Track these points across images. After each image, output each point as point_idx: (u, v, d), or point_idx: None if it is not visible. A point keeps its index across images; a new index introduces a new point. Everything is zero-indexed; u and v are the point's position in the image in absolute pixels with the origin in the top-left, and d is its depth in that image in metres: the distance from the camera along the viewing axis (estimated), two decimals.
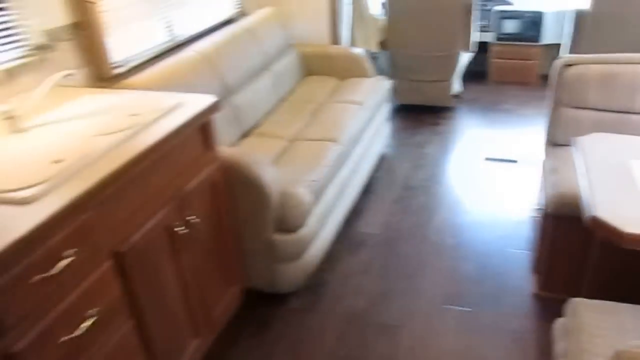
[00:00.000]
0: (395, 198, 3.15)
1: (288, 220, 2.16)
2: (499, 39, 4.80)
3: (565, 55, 2.48)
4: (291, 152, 2.59)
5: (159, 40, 2.71)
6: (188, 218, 1.77)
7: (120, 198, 1.46)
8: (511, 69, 4.90)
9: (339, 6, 3.79)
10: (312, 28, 3.76)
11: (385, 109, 3.51)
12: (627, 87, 2.30)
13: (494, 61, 4.93)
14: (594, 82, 2.34)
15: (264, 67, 3.14)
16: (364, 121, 3.00)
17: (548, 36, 4.70)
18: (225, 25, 3.31)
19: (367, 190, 3.17)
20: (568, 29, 3.41)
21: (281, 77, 3.27)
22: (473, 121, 4.22)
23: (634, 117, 2.33)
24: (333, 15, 3.72)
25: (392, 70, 4.22)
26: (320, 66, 3.58)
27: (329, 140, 2.66)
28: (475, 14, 3.87)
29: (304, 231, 2.23)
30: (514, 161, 3.51)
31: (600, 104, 2.36)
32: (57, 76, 1.70)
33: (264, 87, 3.05)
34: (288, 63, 3.41)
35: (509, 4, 4.83)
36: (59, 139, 1.55)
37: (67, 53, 2.11)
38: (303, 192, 2.21)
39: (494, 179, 3.32)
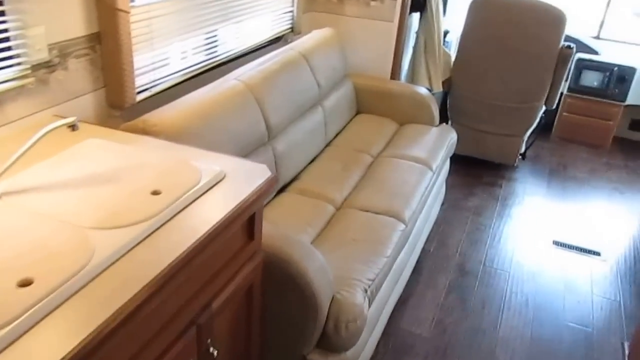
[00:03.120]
0: (449, 285, 2.57)
1: (337, 339, 1.59)
2: (574, 90, 4.20)
3: None
4: (341, 225, 2.02)
5: (196, 58, 2.15)
6: (205, 349, 1.21)
7: (120, 343, 0.90)
8: (582, 127, 4.30)
9: (406, 34, 3.21)
10: (372, 56, 3.18)
11: (447, 167, 2.93)
12: None
13: (564, 115, 4.33)
14: None
15: (315, 102, 2.56)
16: (429, 187, 2.42)
17: (635, 96, 4.10)
18: (273, 45, 2.75)
19: (415, 269, 2.59)
20: None
21: (332, 115, 2.70)
22: (537, 188, 3.63)
23: None
24: (399, 43, 3.14)
25: (451, 114, 3.64)
26: (376, 104, 3.00)
27: (391, 215, 2.09)
28: (569, 67, 3.27)
29: (352, 351, 1.67)
30: (596, 253, 2.92)
31: None
32: (48, 129, 1.14)
33: (311, 128, 2.48)
34: (341, 97, 2.83)
35: (595, 53, 4.22)
36: (33, 232, 0.99)
37: (78, 73, 1.56)
38: (361, 301, 1.64)
39: (569, 276, 2.73)
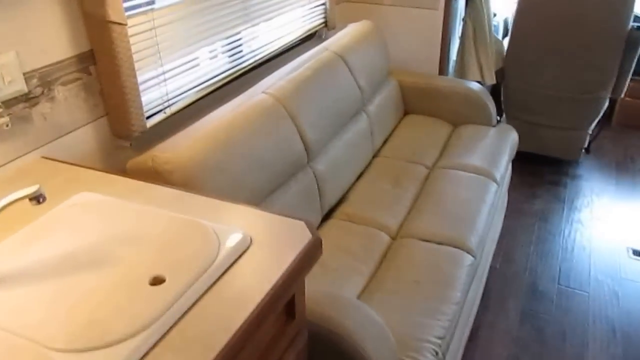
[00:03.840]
0: (522, 313, 2.23)
1: None
2: (636, 72, 3.74)
3: None
4: (399, 261, 1.70)
5: (216, 67, 1.85)
6: None
7: None
8: None
9: (453, 22, 2.84)
10: (416, 50, 2.83)
11: (509, 172, 2.57)
12: None
13: (625, 100, 3.88)
14: None
15: (358, 109, 2.23)
16: (494, 204, 2.08)
17: None
18: (305, 44, 2.43)
19: (483, 291, 2.26)
20: None
21: (378, 121, 2.37)
22: (605, 185, 3.22)
23: None
24: (445, 33, 2.77)
25: (506, 108, 3.26)
26: (425, 103, 2.65)
27: (456, 245, 1.76)
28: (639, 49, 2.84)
29: None
30: None
31: None
32: (14, 197, 0.85)
33: (356, 139, 2.15)
34: (387, 99, 2.49)
35: None
36: None
37: (69, 103, 1.27)
38: None
39: None
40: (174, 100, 1.64)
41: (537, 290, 2.35)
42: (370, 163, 2.25)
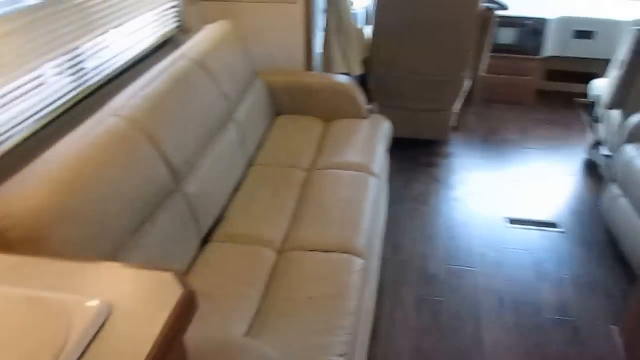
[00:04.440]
0: (417, 300, 2.24)
1: None
2: (493, 50, 3.98)
3: None
4: (288, 277, 1.61)
5: (57, 89, 1.61)
6: None
7: None
8: (503, 86, 4.13)
9: (314, 14, 2.78)
10: (279, 47, 2.74)
11: (387, 162, 2.58)
12: None
13: (484, 76, 4.12)
14: None
15: (225, 118, 2.08)
16: (376, 198, 2.06)
17: (550, 47, 3.96)
18: (159, 53, 2.23)
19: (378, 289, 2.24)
20: (625, 48, 2.61)
21: (248, 127, 2.24)
22: (474, 160, 3.39)
23: None
24: (308, 27, 2.71)
25: (375, 96, 3.29)
26: (296, 101, 2.58)
27: (344, 250, 1.70)
28: (493, 30, 2.98)
29: None
30: (553, 225, 2.72)
31: None
32: None
33: (226, 152, 2.01)
34: (255, 103, 2.37)
35: (504, 8, 4.02)
36: None
37: None
38: None
39: (535, 259, 2.50)
40: (5, 136, 1.39)
41: (428, 274, 2.38)
42: (246, 174, 2.12)
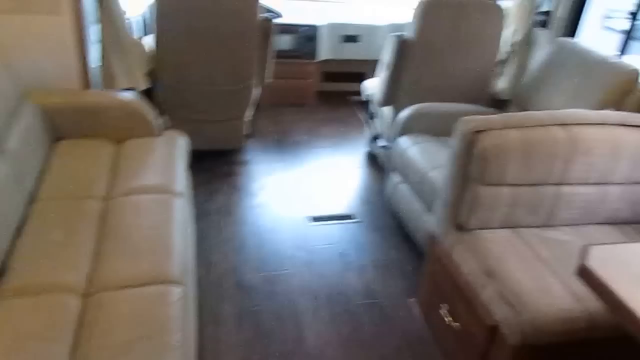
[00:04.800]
0: (237, 314, 2.23)
1: None
2: (277, 56, 4.14)
3: (471, 118, 1.92)
4: (101, 324, 1.44)
5: None
6: None
7: None
8: (287, 90, 4.35)
9: (85, 27, 2.54)
10: (50, 64, 2.44)
11: (189, 178, 2.50)
12: (547, 156, 1.84)
13: (271, 81, 4.26)
14: (515, 154, 1.82)
15: None
16: (183, 218, 1.98)
17: (324, 51, 4.28)
18: None
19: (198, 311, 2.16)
20: (388, 53, 2.93)
21: (22, 161, 1.95)
22: (271, 164, 3.50)
23: (550, 188, 1.92)
24: (80, 42, 2.46)
25: (166, 108, 3.16)
26: (79, 124, 2.33)
27: (159, 281, 1.60)
28: (275, 39, 3.09)
29: None
30: (349, 217, 2.95)
31: (519, 177, 1.87)
32: None
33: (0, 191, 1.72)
34: (28, 131, 2.06)
35: (278, 16, 4.20)
36: None
37: None
38: None
39: (340, 253, 2.69)
40: None
41: (244, 286, 2.39)
42: (28, 213, 1.85)
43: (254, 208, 2.98)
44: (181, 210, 1.97)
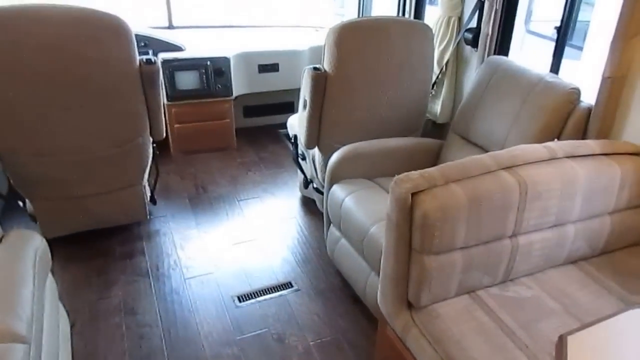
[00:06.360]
0: None
1: None
2: (174, 97, 3.50)
3: (406, 177, 1.41)
4: None
5: None
6: None
7: None
8: (201, 133, 3.70)
9: None
10: None
11: (54, 283, 1.82)
12: (498, 209, 1.49)
13: (176, 127, 3.62)
14: (463, 213, 1.43)
15: None
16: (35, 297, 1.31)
17: (239, 85, 3.67)
18: None
19: None
20: (305, 88, 2.37)
21: None
22: (187, 232, 2.83)
23: (505, 242, 1.57)
24: None
25: (23, 191, 2.44)
26: None
27: None
28: (160, 82, 2.43)
29: None
30: (290, 285, 2.36)
31: (470, 238, 1.49)
32: None
33: None
34: None
35: (179, 49, 3.57)
36: None
37: None
38: None
39: (276, 332, 2.07)
40: None
41: None
42: None
43: (165, 297, 2.32)
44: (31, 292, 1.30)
